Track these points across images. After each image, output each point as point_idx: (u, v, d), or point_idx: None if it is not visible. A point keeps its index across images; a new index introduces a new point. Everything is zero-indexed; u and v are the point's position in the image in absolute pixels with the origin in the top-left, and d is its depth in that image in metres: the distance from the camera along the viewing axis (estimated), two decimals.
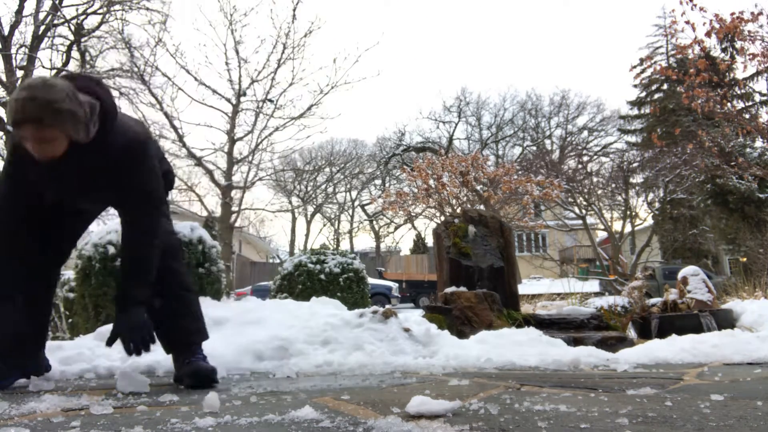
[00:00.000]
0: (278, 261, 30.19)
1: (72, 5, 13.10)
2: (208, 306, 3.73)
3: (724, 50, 11.89)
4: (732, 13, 8.64)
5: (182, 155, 15.41)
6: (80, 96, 1.91)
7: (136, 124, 2.26)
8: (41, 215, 2.22)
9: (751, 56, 8.86)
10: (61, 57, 13.33)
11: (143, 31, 23.08)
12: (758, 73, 18.01)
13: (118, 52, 13.92)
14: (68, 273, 5.47)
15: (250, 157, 16.22)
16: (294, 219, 35.19)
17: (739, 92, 19.27)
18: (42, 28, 12.92)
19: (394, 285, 17.70)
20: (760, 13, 8.54)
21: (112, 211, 2.74)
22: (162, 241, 2.24)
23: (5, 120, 12.07)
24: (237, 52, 15.29)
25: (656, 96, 27.65)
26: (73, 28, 12.84)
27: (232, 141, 15.70)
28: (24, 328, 2.21)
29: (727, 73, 12.25)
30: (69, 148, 1.93)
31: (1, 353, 2.13)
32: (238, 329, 3.41)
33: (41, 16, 12.92)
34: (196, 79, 14.94)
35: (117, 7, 13.30)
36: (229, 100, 15.67)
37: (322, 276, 6.85)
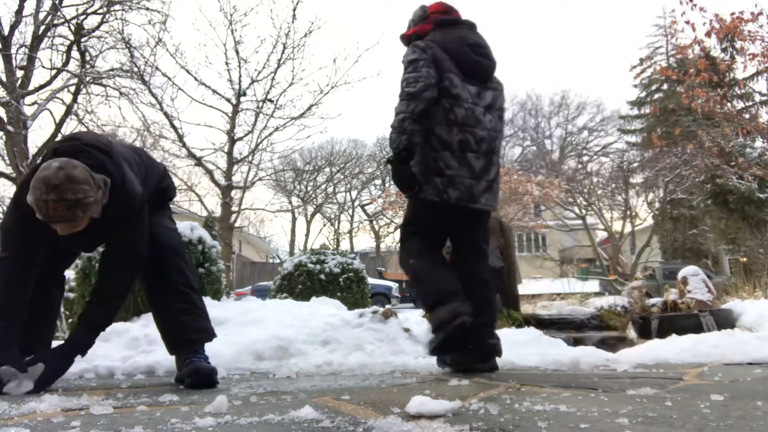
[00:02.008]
0: (278, 261, 30.18)
1: (72, 5, 13.09)
2: (208, 306, 3.75)
3: (724, 50, 11.90)
4: (732, 13, 8.64)
5: (182, 155, 15.40)
6: (96, 177, 1.99)
7: (132, 179, 2.25)
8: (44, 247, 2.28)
9: (751, 56, 8.86)
10: (61, 57, 13.33)
11: (143, 31, 23.07)
12: (758, 73, 17.97)
13: (118, 52, 13.89)
14: (68, 273, 5.47)
15: (250, 157, 16.21)
16: (294, 219, 35.20)
17: (739, 92, 19.28)
18: (42, 28, 12.91)
19: (394, 285, 17.69)
20: (760, 13, 8.53)
21: None
22: (169, 243, 2.33)
23: (5, 120, 12.08)
24: (237, 52, 15.28)
25: (656, 96, 27.63)
26: (73, 28, 12.82)
27: (232, 141, 15.69)
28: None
29: (727, 73, 12.25)
30: None
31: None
32: (238, 329, 3.42)
33: (41, 16, 12.92)
34: (196, 79, 14.92)
35: (117, 7, 13.28)
36: (229, 100, 15.66)
37: (322, 276, 6.85)
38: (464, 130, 2.59)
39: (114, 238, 2.26)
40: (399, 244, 2.81)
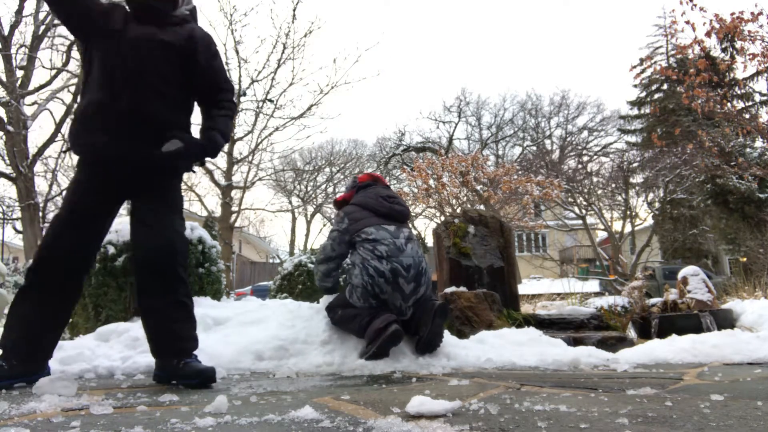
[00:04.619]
0: (278, 261, 30.18)
1: None
2: (208, 306, 3.75)
3: (724, 50, 11.89)
4: (732, 13, 8.65)
5: None
6: None
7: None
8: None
9: (751, 56, 8.86)
10: (61, 57, 13.34)
11: None
12: (758, 73, 18.01)
13: None
14: None
15: (250, 157, 16.24)
16: (294, 219, 35.19)
17: (739, 92, 19.30)
18: (42, 28, 12.92)
19: None
20: (760, 13, 8.53)
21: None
22: (181, 250, 2.41)
23: (5, 120, 12.08)
24: (237, 52, 15.31)
25: (656, 96, 27.63)
26: None
27: (232, 141, 15.70)
28: (52, 328, 2.32)
29: (727, 73, 12.26)
30: None
31: (30, 351, 2.24)
32: (238, 329, 3.41)
33: (41, 16, 12.93)
34: None
35: None
36: None
37: None
38: (391, 261, 3.22)
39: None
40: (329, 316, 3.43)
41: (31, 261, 2.31)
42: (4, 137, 12.40)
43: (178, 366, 2.24)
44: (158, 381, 2.34)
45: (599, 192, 23.58)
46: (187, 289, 2.39)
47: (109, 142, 2.29)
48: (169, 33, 2.42)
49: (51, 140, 13.09)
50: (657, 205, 23.08)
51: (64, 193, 2.34)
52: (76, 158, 2.45)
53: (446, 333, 3.55)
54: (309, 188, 34.02)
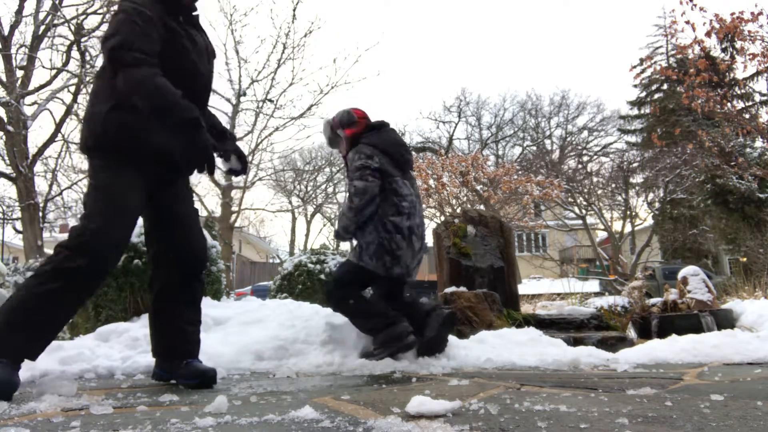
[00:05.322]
0: (278, 261, 30.17)
1: (72, 5, 13.09)
2: (208, 306, 3.75)
3: (724, 50, 11.89)
4: (732, 13, 8.65)
5: None
6: None
7: None
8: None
9: (751, 56, 8.86)
10: (61, 57, 13.33)
11: None
12: (758, 73, 17.99)
13: None
14: None
15: (250, 157, 16.23)
16: (294, 219, 35.18)
17: (739, 92, 19.29)
18: (42, 28, 12.91)
19: None
20: (760, 13, 8.54)
21: None
22: (205, 257, 2.41)
23: (5, 120, 12.08)
24: (237, 52, 15.33)
25: (656, 96, 27.64)
26: (73, 28, 12.81)
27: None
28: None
29: (727, 73, 12.26)
30: None
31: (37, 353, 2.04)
32: (238, 329, 3.42)
33: (41, 16, 12.92)
34: None
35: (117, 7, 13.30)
36: (229, 100, 15.69)
37: (322, 276, 6.85)
38: (411, 218, 3.21)
39: None
40: (331, 294, 3.31)
41: (61, 254, 2.03)
42: (4, 137, 12.40)
43: (181, 366, 2.25)
44: (158, 379, 2.34)
45: (599, 192, 23.59)
46: (203, 292, 2.46)
47: (170, 142, 2.20)
48: (205, 36, 2.45)
49: (51, 140, 13.08)
50: (657, 205, 23.09)
51: (94, 184, 2.12)
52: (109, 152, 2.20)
53: None
54: (309, 188, 34.01)
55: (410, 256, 3.20)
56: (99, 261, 2.04)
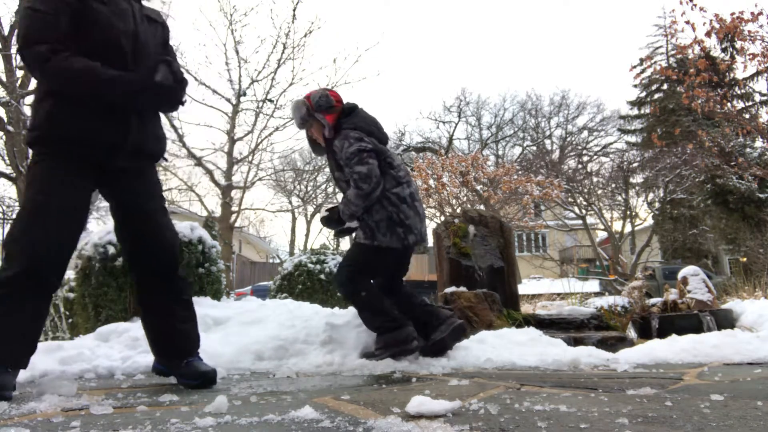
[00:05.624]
0: (278, 261, 30.17)
1: None
2: (208, 306, 3.75)
3: (724, 50, 11.89)
4: (732, 13, 8.65)
5: (182, 155, 15.41)
6: None
7: None
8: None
9: (751, 56, 8.86)
10: None
11: None
12: (758, 73, 18.00)
13: None
14: (68, 273, 5.47)
15: (250, 157, 16.23)
16: (294, 219, 35.17)
17: (739, 92, 19.29)
18: None
19: None
20: (760, 13, 8.54)
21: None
22: (177, 252, 2.34)
23: (5, 120, 12.08)
24: (237, 52, 15.31)
25: (656, 96, 27.64)
26: None
27: (232, 141, 15.70)
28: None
29: (727, 73, 12.26)
30: None
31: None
32: (238, 329, 3.42)
33: None
34: (196, 79, 14.93)
35: None
36: (229, 100, 15.68)
37: (322, 276, 6.85)
38: (410, 185, 3.27)
39: None
40: (345, 282, 3.24)
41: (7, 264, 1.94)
42: (4, 137, 12.39)
43: (181, 365, 2.24)
44: (158, 374, 2.35)
45: (599, 192, 23.58)
46: (190, 288, 2.39)
47: (105, 127, 2.09)
48: (146, 8, 2.34)
49: None
50: (657, 205, 23.08)
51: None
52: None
53: None
54: (309, 188, 34.00)
55: (419, 221, 3.23)
56: (32, 267, 1.94)
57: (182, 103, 2.27)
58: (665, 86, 26.50)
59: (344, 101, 3.41)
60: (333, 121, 3.28)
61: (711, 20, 8.74)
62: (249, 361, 2.98)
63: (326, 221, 3.39)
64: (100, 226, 4.72)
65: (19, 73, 12.58)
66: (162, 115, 2.46)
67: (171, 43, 2.49)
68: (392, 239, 3.13)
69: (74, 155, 2.09)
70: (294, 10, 14.83)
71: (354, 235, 3.30)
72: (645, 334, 5.56)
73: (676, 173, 20.55)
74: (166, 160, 2.51)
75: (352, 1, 52.31)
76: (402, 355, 3.01)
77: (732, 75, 13.83)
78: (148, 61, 2.19)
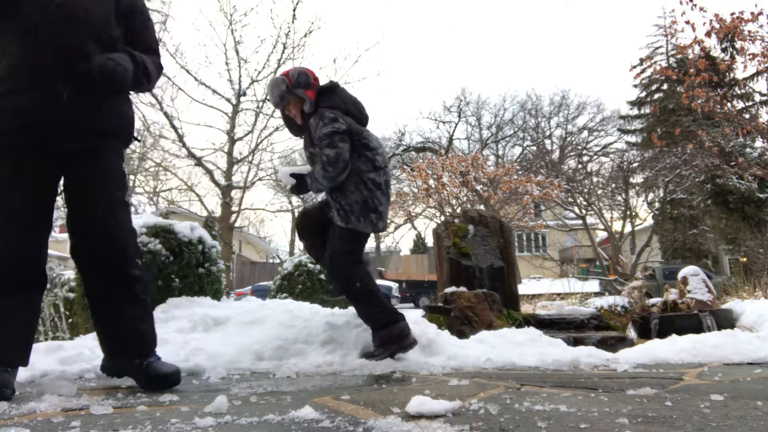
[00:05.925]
0: (278, 261, 30.16)
1: None
2: (208, 306, 3.75)
3: (724, 50, 11.89)
4: (732, 13, 8.65)
5: (182, 155, 15.42)
6: None
7: None
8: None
9: (751, 56, 8.86)
10: None
11: None
12: (758, 73, 18.00)
13: None
14: (68, 273, 5.47)
15: (250, 157, 16.23)
16: (294, 219, 35.18)
17: (739, 92, 19.29)
18: None
19: (394, 285, 17.71)
20: (760, 13, 8.54)
21: None
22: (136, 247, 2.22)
23: None
24: (237, 52, 15.31)
25: (656, 96, 27.65)
26: None
27: (232, 141, 15.69)
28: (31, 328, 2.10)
29: (727, 73, 12.26)
30: None
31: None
32: (238, 329, 3.41)
33: None
34: (196, 79, 14.95)
35: None
36: (229, 100, 15.68)
37: (322, 276, 6.85)
38: (386, 173, 3.27)
39: None
40: (336, 272, 3.24)
41: None
42: None
43: (141, 366, 2.10)
44: (109, 374, 2.23)
45: (599, 192, 23.57)
46: (145, 286, 2.21)
47: (40, 102, 1.96)
48: None
49: None
50: (657, 205, 23.08)
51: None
52: None
53: (446, 333, 3.56)
54: None
55: (387, 209, 3.29)
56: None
57: (142, 83, 2.14)
58: (665, 86, 26.51)
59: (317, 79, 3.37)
60: (314, 97, 3.24)
61: (711, 20, 8.74)
62: (249, 361, 2.98)
63: (295, 188, 3.30)
64: None
65: None
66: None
67: (153, 24, 2.35)
68: (366, 224, 3.15)
69: (8, 144, 1.97)
70: (294, 10, 14.84)
71: (330, 214, 3.22)
72: (645, 334, 5.57)
73: (676, 173, 20.54)
74: (137, 140, 2.34)
75: (352, 1, 52.31)
76: (401, 352, 3.02)
77: (732, 75, 13.83)
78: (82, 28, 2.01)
